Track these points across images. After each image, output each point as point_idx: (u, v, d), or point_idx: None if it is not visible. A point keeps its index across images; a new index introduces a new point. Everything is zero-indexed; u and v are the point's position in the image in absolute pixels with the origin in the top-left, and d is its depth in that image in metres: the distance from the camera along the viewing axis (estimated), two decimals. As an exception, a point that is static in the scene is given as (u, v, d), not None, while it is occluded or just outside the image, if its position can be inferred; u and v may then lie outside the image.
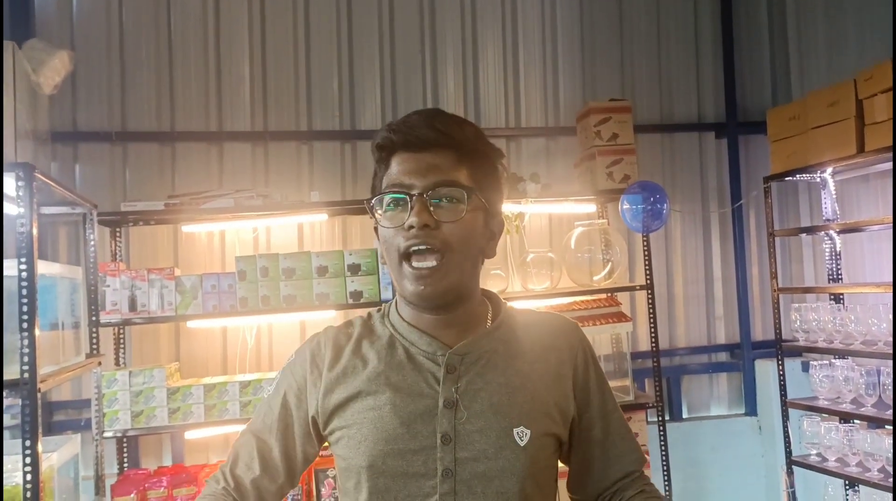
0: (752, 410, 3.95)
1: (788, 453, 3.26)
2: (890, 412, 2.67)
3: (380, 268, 2.97)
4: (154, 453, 3.36)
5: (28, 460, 1.91)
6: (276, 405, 1.13)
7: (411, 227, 1.00)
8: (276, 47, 3.61)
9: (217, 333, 3.38)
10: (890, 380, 2.73)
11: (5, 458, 1.98)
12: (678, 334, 3.97)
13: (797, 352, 3.54)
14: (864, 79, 2.79)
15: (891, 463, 2.66)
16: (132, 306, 2.83)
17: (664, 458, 3.32)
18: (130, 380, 2.78)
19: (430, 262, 1.01)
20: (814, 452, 3.10)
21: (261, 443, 1.12)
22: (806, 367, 3.55)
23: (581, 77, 3.93)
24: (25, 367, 1.94)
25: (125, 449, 2.99)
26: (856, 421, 2.94)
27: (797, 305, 3.22)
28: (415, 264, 1.01)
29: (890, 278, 2.89)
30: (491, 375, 1.05)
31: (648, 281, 3.35)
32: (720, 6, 4.08)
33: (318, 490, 2.90)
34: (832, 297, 3.32)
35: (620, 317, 3.24)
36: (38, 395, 1.95)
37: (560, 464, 1.14)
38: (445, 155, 1.03)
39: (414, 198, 1.01)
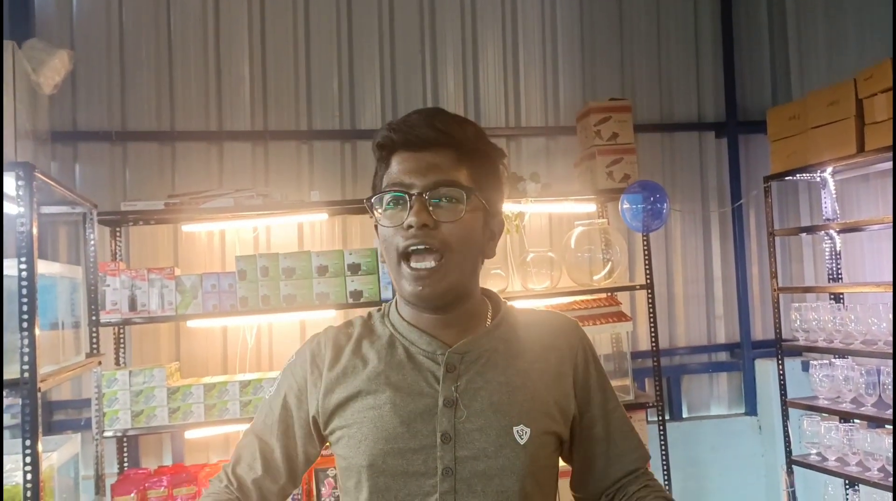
0: (752, 409, 3.96)
1: (788, 452, 3.26)
2: (890, 411, 2.67)
3: (380, 268, 2.97)
4: (154, 452, 3.36)
5: (28, 459, 1.91)
6: (277, 406, 1.14)
7: (410, 226, 1.00)
8: (276, 47, 3.61)
9: (217, 332, 3.39)
10: (890, 380, 2.73)
11: (5, 458, 1.98)
12: (678, 333, 3.97)
13: (797, 352, 3.54)
14: (864, 78, 2.79)
15: (891, 463, 2.66)
16: (132, 305, 2.83)
17: (664, 458, 3.32)
18: (130, 380, 2.78)
19: (429, 262, 1.01)
20: (814, 451, 3.10)
21: (262, 444, 1.13)
22: (806, 366, 3.55)
23: (581, 77, 3.93)
24: (25, 366, 1.94)
25: (125, 449, 2.99)
26: (856, 421, 2.94)
27: (797, 304, 3.22)
28: (413, 264, 1.01)
29: (890, 278, 2.89)
30: (491, 374, 1.05)
31: (648, 281, 3.35)
32: (720, 6, 4.08)
33: (319, 490, 2.90)
34: (832, 296, 3.32)
35: (620, 317, 3.24)
36: (39, 395, 1.95)
37: (561, 463, 1.14)
38: (445, 155, 1.03)
39: (413, 197, 1.01)
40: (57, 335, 2.30)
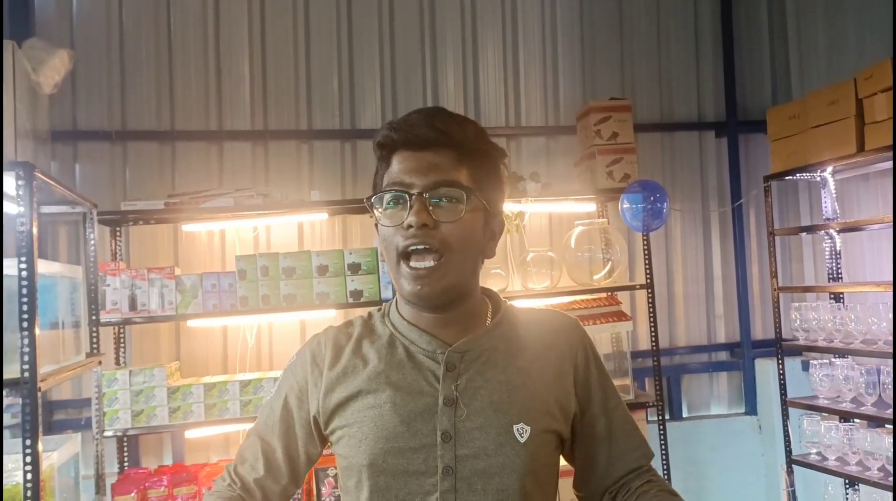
0: (752, 409, 3.96)
1: (788, 452, 3.26)
2: (890, 411, 2.67)
3: (380, 267, 2.97)
4: (154, 452, 3.36)
5: (28, 459, 1.91)
6: (278, 407, 1.14)
7: (410, 226, 1.00)
8: (276, 47, 3.61)
9: (217, 332, 3.39)
10: (890, 379, 2.73)
11: (6, 457, 1.98)
12: (678, 333, 3.97)
13: (797, 351, 3.54)
14: (864, 78, 2.79)
15: (891, 462, 2.66)
16: (132, 305, 2.83)
17: (664, 457, 3.32)
18: (131, 379, 2.78)
19: (429, 262, 1.01)
20: (814, 451, 3.10)
21: (264, 444, 1.14)
22: (806, 366, 3.55)
23: (581, 76, 3.93)
24: (26, 366, 1.94)
25: (125, 448, 2.99)
26: (856, 420, 2.94)
27: (797, 304, 3.23)
28: (413, 263, 1.01)
29: (890, 277, 2.89)
30: (491, 372, 1.05)
31: (648, 280, 3.35)
32: (720, 6, 4.08)
33: (319, 490, 2.90)
34: (832, 296, 3.32)
35: (620, 316, 3.25)
36: (39, 394, 1.95)
37: (562, 462, 1.14)
38: (446, 154, 1.03)
39: (413, 197, 1.01)
40: (57, 335, 2.30)
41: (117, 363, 3.02)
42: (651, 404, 3.28)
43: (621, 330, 3.34)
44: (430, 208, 1.01)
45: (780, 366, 3.33)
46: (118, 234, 3.12)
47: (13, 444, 1.99)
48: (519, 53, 3.89)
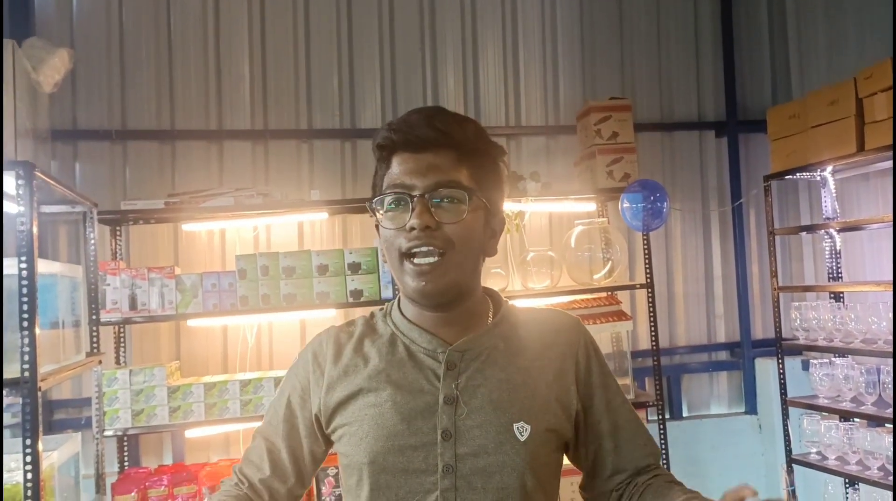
0: (752, 408, 3.96)
1: (788, 451, 3.26)
2: (890, 410, 2.67)
3: (380, 267, 2.97)
4: (154, 451, 3.36)
5: (28, 458, 1.91)
6: (281, 407, 1.15)
7: (413, 228, 1.00)
8: (276, 47, 3.60)
9: (217, 331, 3.38)
10: (890, 378, 2.73)
11: (6, 457, 1.98)
12: (678, 332, 3.97)
13: (797, 350, 3.54)
14: (864, 77, 2.79)
15: (891, 462, 2.66)
16: (132, 304, 2.83)
17: (664, 457, 3.32)
18: (131, 379, 2.78)
19: (432, 258, 1.01)
20: (814, 450, 3.10)
21: (269, 445, 1.14)
22: (806, 365, 3.55)
23: (581, 76, 3.93)
24: (26, 366, 1.94)
25: (126, 448, 2.99)
26: (856, 420, 2.94)
27: (797, 303, 3.23)
28: (416, 260, 1.01)
29: (890, 277, 2.89)
30: (491, 371, 1.05)
31: (648, 280, 3.35)
32: (720, 6, 4.08)
33: (319, 489, 2.89)
34: (832, 295, 3.32)
35: (620, 316, 3.25)
36: (39, 394, 1.95)
37: (565, 461, 1.14)
38: (446, 155, 1.03)
39: (415, 199, 1.01)
40: (57, 334, 2.30)
41: (117, 362, 3.02)
42: (651, 403, 3.28)
43: (621, 330, 3.34)
44: (432, 209, 1.01)
45: (780, 365, 3.33)
46: (118, 233, 3.12)
47: (13, 443, 1.99)
48: (519, 53, 3.89)
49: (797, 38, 3.79)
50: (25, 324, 1.95)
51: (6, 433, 2.13)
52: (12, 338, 1.96)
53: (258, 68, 3.58)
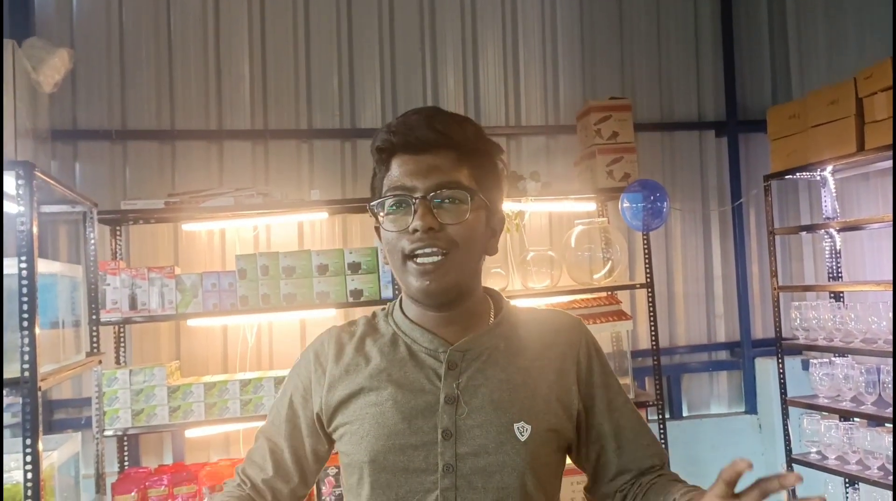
0: (752, 408, 3.96)
1: (788, 451, 3.26)
2: (890, 410, 2.67)
3: (380, 266, 2.97)
4: (155, 451, 3.36)
5: (28, 458, 1.91)
6: (284, 407, 1.15)
7: (416, 230, 1.00)
8: (276, 47, 3.61)
9: (217, 331, 3.39)
10: (890, 378, 2.73)
11: (6, 456, 1.98)
12: (678, 332, 3.97)
13: (797, 350, 3.55)
14: (864, 77, 2.79)
15: (890, 461, 2.66)
16: (132, 304, 2.83)
17: (664, 456, 3.32)
18: (131, 378, 2.78)
19: (435, 257, 1.01)
20: (814, 450, 3.11)
21: (272, 445, 1.14)
22: (806, 365, 3.55)
23: (581, 76, 3.93)
24: (26, 365, 1.94)
25: (126, 448, 2.99)
26: (856, 419, 2.94)
27: (797, 303, 3.23)
28: (419, 260, 1.01)
29: (890, 277, 2.89)
30: (492, 371, 1.05)
31: (648, 279, 3.35)
32: (720, 6, 4.08)
33: (319, 489, 2.89)
34: (832, 295, 3.32)
35: (620, 315, 3.25)
36: (39, 393, 1.95)
37: (567, 461, 1.14)
38: (446, 155, 1.03)
39: (417, 201, 1.01)
40: (57, 334, 2.30)
41: (117, 362, 3.02)
42: (651, 403, 3.28)
43: (621, 329, 3.34)
44: (435, 210, 1.01)
45: (780, 365, 3.33)
46: (118, 233, 3.12)
47: (13, 443, 1.99)
48: (519, 53, 3.89)
49: (797, 38, 3.79)
50: (25, 324, 1.95)
51: (6, 432, 2.13)
52: (12, 338, 1.96)
53: (258, 68, 3.58)
